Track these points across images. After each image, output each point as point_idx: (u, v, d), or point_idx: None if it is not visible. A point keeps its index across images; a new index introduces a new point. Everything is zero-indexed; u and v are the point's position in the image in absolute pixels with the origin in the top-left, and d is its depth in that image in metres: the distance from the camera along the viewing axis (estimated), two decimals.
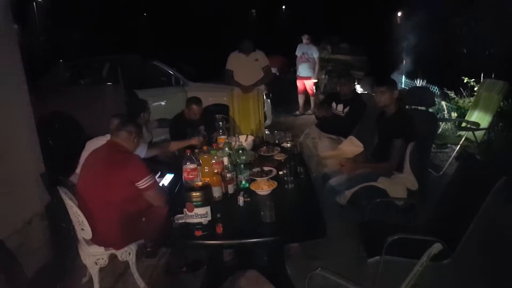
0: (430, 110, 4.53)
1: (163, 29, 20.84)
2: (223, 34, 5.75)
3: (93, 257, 2.84)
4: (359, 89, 8.38)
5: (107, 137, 3.28)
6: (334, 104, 4.79)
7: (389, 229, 2.59)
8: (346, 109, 4.65)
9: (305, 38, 8.14)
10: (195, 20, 21.62)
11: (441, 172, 4.86)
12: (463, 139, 5.38)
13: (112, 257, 2.91)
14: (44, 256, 3.36)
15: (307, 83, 8.28)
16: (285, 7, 30.89)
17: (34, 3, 23.99)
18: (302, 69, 8.25)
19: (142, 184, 2.72)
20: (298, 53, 8.26)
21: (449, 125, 6.51)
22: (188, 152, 2.98)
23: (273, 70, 9.22)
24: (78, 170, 3.33)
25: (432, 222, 2.82)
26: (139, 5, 24.00)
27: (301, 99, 8.49)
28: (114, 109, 5.69)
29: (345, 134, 4.40)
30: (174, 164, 4.03)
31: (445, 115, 6.89)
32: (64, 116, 6.40)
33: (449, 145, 5.86)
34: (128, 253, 2.87)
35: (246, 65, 5.42)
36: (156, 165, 3.89)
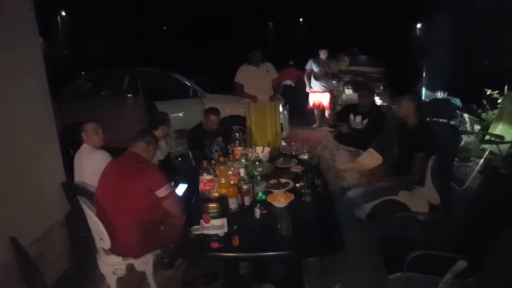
0: (452, 122, 4.45)
1: (182, 42, 21.13)
2: (241, 47, 5.81)
3: (111, 266, 2.85)
4: (378, 100, 8.30)
5: (83, 146, 3.45)
6: (352, 116, 4.73)
7: (411, 244, 2.51)
8: (365, 121, 4.60)
9: (323, 53, 7.90)
10: (213, 33, 21.87)
11: (465, 186, 4.74)
12: (487, 152, 5.25)
13: (130, 267, 2.92)
14: (63, 265, 3.41)
15: (324, 97, 8.01)
16: (302, 19, 31.00)
17: (59, 17, 24.68)
18: (320, 84, 7.93)
19: (161, 192, 2.75)
20: (314, 68, 7.92)
21: (472, 138, 6.36)
22: (205, 163, 2.98)
23: (289, 82, 9.27)
24: (77, 179, 3.41)
25: (456, 238, 2.73)
26: (159, 19, 24.43)
27: (317, 112, 8.34)
28: (134, 120, 5.78)
29: (364, 146, 4.33)
30: (190, 175, 4.05)
31: (468, 127, 6.74)
32: None
33: (472, 158, 5.72)
34: (145, 263, 2.87)
35: (257, 77, 5.43)
36: (171, 175, 3.89)
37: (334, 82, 8.16)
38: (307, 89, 8.09)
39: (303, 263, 3.13)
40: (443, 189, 3.32)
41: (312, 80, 7.97)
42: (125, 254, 2.85)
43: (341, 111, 5.29)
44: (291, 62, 10.07)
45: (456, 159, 4.87)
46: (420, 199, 3.22)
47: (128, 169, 2.83)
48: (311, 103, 8.16)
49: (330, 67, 7.95)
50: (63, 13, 25.52)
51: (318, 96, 8.03)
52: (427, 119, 4.18)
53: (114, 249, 2.82)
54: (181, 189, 3.83)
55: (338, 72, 8.27)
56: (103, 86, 7.47)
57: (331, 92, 8.00)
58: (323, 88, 7.94)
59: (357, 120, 4.68)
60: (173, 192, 2.87)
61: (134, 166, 2.83)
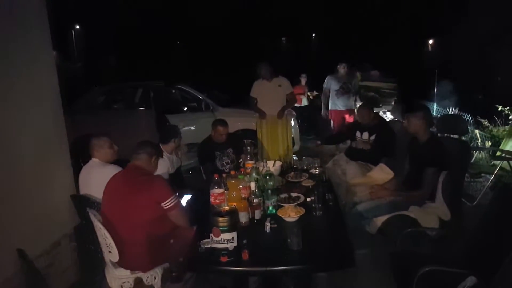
0: (463, 138, 4.42)
1: (195, 56, 21.38)
2: (254, 61, 5.83)
3: (119, 280, 2.84)
4: (389, 116, 8.27)
5: (92, 160, 3.38)
6: (358, 134, 4.73)
7: (421, 260, 2.49)
8: (373, 137, 4.58)
9: (342, 68, 6.96)
10: (227, 47, 22.10)
11: (475, 202, 4.70)
12: (497, 168, 5.20)
13: (138, 281, 2.90)
14: (71, 277, 3.41)
15: (347, 116, 7.10)
16: (315, 35, 31.24)
17: (73, 31, 25.13)
18: (342, 102, 6.98)
19: (167, 204, 2.75)
20: (334, 86, 6.96)
21: (483, 154, 6.31)
22: (216, 176, 2.98)
23: (302, 97, 9.25)
24: (82, 193, 3.38)
25: (466, 254, 2.69)
26: (173, 34, 24.79)
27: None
28: (146, 133, 5.84)
29: (374, 162, 4.32)
30: (200, 188, 4.04)
31: (479, 143, 6.69)
32: None
33: (483, 174, 5.66)
34: (153, 277, 2.86)
35: (269, 91, 5.46)
36: (181, 188, 3.90)
37: (355, 101, 7.25)
38: (323, 112, 7.27)
39: (313, 278, 3.11)
40: (453, 205, 3.29)
41: (333, 98, 7.08)
42: (133, 268, 2.83)
43: (346, 130, 5.23)
44: (303, 76, 9.72)
45: (466, 175, 4.83)
46: (431, 214, 3.19)
47: (133, 182, 2.82)
48: (333, 123, 7.28)
49: (353, 84, 7.10)
50: (77, 27, 26.00)
51: (339, 115, 7.09)
52: (438, 134, 4.16)
53: (122, 262, 2.81)
54: (185, 199, 3.82)
55: (359, 89, 7.56)
56: (116, 99, 7.58)
57: (352, 111, 7.13)
58: (344, 107, 7.03)
59: (364, 137, 4.67)
60: (179, 203, 2.86)
61: (139, 179, 2.83)
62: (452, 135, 4.16)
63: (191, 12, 24.37)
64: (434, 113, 8.68)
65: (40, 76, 3.28)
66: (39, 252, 2.98)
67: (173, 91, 7.31)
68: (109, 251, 2.76)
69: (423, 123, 3.45)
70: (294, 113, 7.03)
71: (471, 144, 6.51)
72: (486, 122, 7.11)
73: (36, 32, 3.25)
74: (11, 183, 2.82)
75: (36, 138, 3.14)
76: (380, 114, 7.38)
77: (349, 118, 6.99)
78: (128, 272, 2.82)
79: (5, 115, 2.81)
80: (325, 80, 7.10)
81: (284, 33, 29.81)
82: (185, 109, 7.24)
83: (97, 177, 3.25)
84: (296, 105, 8.26)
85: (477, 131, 6.84)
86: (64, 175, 3.49)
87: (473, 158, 5.88)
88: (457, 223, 3.35)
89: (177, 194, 3.69)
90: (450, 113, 8.04)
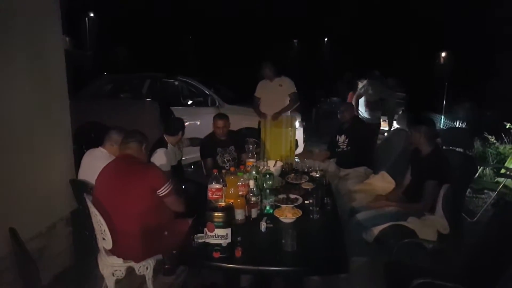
0: (470, 153, 4.38)
1: (206, 51, 21.42)
2: (263, 60, 5.80)
3: (111, 268, 2.83)
4: (395, 125, 8.23)
5: (100, 149, 3.36)
6: (338, 137, 4.91)
7: (416, 272, 2.46)
8: (346, 140, 4.78)
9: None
10: (237, 45, 22.12)
11: (475, 218, 4.65)
12: (501, 185, 5.15)
13: (130, 270, 2.90)
14: (64, 261, 3.41)
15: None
16: (327, 39, 31.18)
17: (87, 19, 25.22)
18: (374, 113, 6.77)
19: (163, 191, 2.77)
20: (372, 93, 6.68)
21: (487, 170, 6.25)
22: (215, 172, 2.97)
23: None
24: (80, 177, 3.37)
25: (463, 270, 2.66)
26: (186, 27, 24.84)
27: None
28: (151, 124, 5.83)
29: (351, 165, 4.54)
30: (200, 183, 4.04)
31: (490, 160, 6.63)
32: (101, 127, 6.57)
33: (486, 191, 5.61)
34: (146, 268, 2.85)
35: (270, 91, 5.47)
36: (178, 179, 3.89)
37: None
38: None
39: (305, 281, 3.09)
40: (453, 219, 3.26)
41: (364, 108, 6.77)
42: (126, 257, 2.82)
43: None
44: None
45: (469, 190, 4.79)
46: (429, 226, 3.16)
47: (127, 172, 2.82)
48: None
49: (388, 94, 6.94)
50: (91, 15, 26.08)
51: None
52: (444, 147, 4.13)
53: (116, 251, 2.80)
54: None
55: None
56: (124, 89, 7.58)
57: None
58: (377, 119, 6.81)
59: (340, 140, 4.85)
60: (174, 189, 2.88)
61: (133, 168, 2.82)
62: (457, 149, 4.12)
63: (203, 7, 24.42)
64: (441, 126, 8.63)
65: (49, 60, 3.28)
66: (34, 234, 2.97)
67: (181, 84, 7.30)
68: (103, 238, 2.75)
69: (424, 136, 3.44)
70: (299, 115, 7.00)
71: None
72: (493, 139, 7.05)
73: (46, 14, 3.25)
74: (10, 162, 2.81)
75: (39, 120, 3.13)
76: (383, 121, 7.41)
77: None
78: (120, 260, 2.82)
79: (6, 92, 2.79)
80: (361, 84, 6.94)
81: (296, 35, 29.78)
82: (190, 102, 7.24)
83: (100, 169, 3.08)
84: None
85: (484, 147, 6.78)
86: (65, 159, 3.48)
87: (477, 174, 5.82)
88: (456, 238, 3.32)
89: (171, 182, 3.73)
90: (457, 126, 7.99)
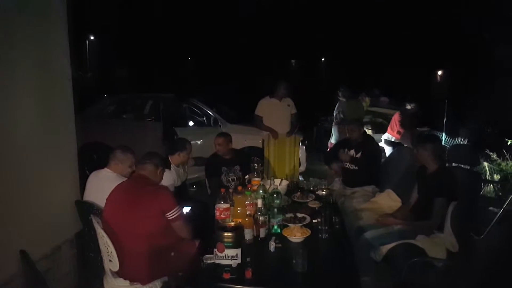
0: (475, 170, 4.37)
1: (206, 73, 21.62)
2: (261, 80, 5.85)
3: None
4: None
5: (106, 170, 3.31)
6: (346, 151, 4.74)
7: None
8: (359, 155, 4.62)
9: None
10: (236, 66, 22.32)
11: (482, 236, 4.59)
12: (507, 202, 5.12)
13: None
14: (69, 284, 3.36)
15: None
16: (324, 59, 31.47)
17: (87, 41, 25.50)
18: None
19: (172, 214, 2.74)
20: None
21: (491, 187, 6.23)
22: (223, 191, 2.95)
23: None
24: (86, 198, 3.31)
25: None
26: (187, 49, 25.11)
27: None
28: (153, 144, 5.83)
29: (367, 181, 4.45)
30: (204, 203, 4.01)
31: (488, 176, 6.62)
32: (104, 148, 6.57)
33: (490, 208, 5.58)
34: None
35: (278, 110, 5.50)
36: (187, 202, 3.87)
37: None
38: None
39: None
40: (462, 237, 3.22)
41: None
42: (132, 279, 2.78)
43: (332, 149, 5.22)
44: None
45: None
46: (439, 245, 3.12)
47: (139, 192, 2.80)
48: None
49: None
50: (91, 37, 26.38)
51: None
52: (451, 164, 4.11)
53: (122, 273, 2.76)
54: (184, 211, 3.77)
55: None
56: (126, 109, 7.60)
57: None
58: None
59: (351, 153, 4.69)
60: (182, 214, 2.87)
61: (145, 189, 2.81)
62: (462, 165, 4.10)
63: (202, 28, 24.76)
64: (443, 143, 8.63)
65: (55, 79, 3.30)
66: (39, 256, 2.93)
67: (184, 105, 7.33)
68: (110, 260, 2.72)
69: (430, 153, 3.42)
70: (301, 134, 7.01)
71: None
72: (494, 156, 7.05)
73: (55, 34, 3.28)
74: (17, 183, 2.80)
75: (46, 141, 3.13)
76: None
77: None
78: (127, 283, 2.77)
79: (15, 115, 2.80)
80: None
81: (294, 55, 30.09)
82: (192, 123, 7.25)
83: (109, 191, 2.95)
84: None
85: (485, 164, 6.78)
86: (70, 180, 3.47)
87: (482, 191, 5.80)
88: (465, 256, 3.28)
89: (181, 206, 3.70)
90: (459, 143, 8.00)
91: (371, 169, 4.57)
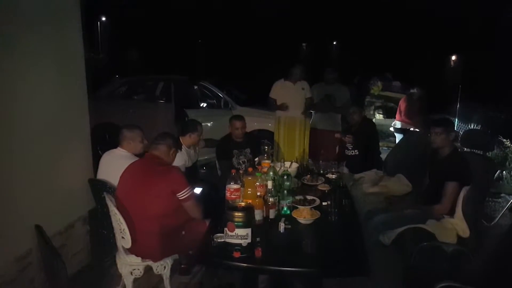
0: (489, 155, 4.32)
1: (217, 54, 21.51)
2: (273, 64, 5.78)
3: (130, 266, 2.85)
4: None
5: (119, 150, 3.35)
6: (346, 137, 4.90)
7: (436, 275, 2.43)
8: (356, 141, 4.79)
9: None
10: (248, 48, 22.17)
11: (493, 223, 4.58)
12: None
13: (147, 269, 2.91)
14: (82, 260, 3.44)
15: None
16: (336, 42, 31.09)
17: (98, 22, 25.47)
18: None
19: (183, 194, 2.77)
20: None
21: (504, 173, 6.17)
22: (233, 172, 2.96)
23: None
24: (99, 177, 3.36)
25: (484, 274, 2.63)
26: (197, 33, 24.99)
27: None
28: (164, 125, 5.85)
29: (367, 166, 4.58)
30: (214, 184, 4.04)
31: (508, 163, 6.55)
32: (116, 128, 6.61)
33: (502, 194, 5.54)
34: (163, 267, 2.86)
35: (293, 93, 5.44)
36: (197, 183, 3.89)
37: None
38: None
39: (323, 283, 3.06)
40: (473, 222, 3.21)
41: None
42: (144, 256, 2.84)
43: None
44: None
45: None
46: (449, 229, 3.10)
47: (151, 172, 2.83)
48: None
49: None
50: (103, 18, 26.33)
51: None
52: (464, 149, 4.06)
53: (134, 249, 2.82)
54: (196, 191, 3.80)
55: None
56: (137, 91, 7.63)
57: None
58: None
59: (349, 142, 4.84)
60: (193, 194, 2.89)
61: (157, 170, 2.83)
62: (476, 151, 4.05)
63: (215, 10, 24.58)
64: (456, 129, 8.53)
65: (68, 61, 3.31)
66: (53, 233, 2.99)
67: (195, 87, 7.33)
68: (122, 237, 2.76)
69: (443, 137, 3.37)
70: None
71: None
72: (508, 142, 6.95)
73: (68, 15, 3.29)
74: (32, 160, 2.84)
75: (60, 119, 3.15)
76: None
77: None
78: (139, 259, 2.83)
79: (27, 92, 2.82)
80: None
81: (305, 38, 29.75)
82: (204, 105, 7.26)
83: (122, 169, 2.97)
84: None
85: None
86: (84, 158, 3.51)
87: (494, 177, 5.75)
88: (476, 241, 3.26)
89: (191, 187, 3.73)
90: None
91: (371, 154, 4.78)
